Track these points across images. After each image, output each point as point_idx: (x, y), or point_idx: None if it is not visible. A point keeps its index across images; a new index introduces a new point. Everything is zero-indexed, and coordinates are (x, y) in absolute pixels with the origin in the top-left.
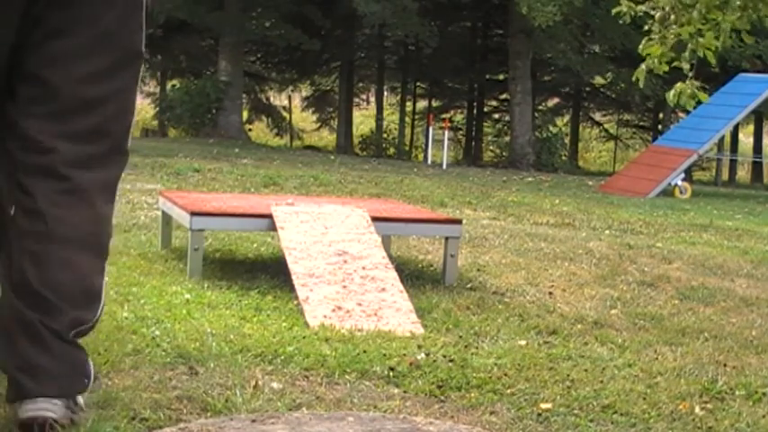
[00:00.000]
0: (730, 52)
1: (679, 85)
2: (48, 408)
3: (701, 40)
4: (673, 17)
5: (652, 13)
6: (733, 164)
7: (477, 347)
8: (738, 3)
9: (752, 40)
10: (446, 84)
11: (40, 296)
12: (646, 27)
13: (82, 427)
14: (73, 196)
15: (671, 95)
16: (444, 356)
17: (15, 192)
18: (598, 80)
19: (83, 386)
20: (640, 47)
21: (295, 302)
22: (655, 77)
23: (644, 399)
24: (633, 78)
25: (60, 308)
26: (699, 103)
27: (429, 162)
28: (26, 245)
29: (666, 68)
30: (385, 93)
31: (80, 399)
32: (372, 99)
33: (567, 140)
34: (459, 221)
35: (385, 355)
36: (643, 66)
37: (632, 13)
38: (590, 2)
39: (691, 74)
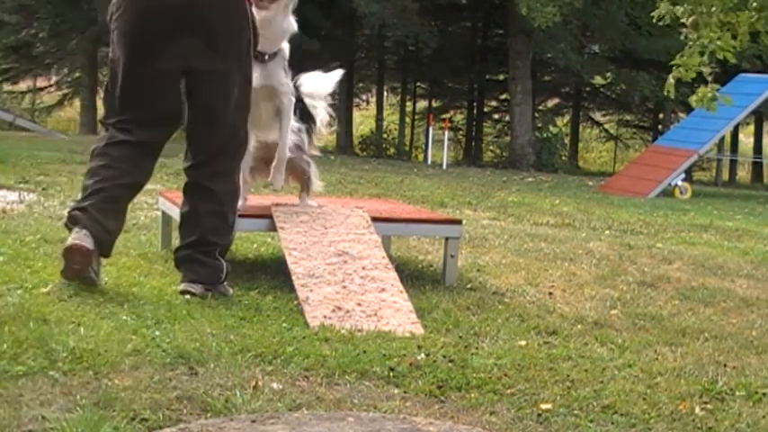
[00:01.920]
0: None
1: (701, 89)
2: (193, 287)
3: (719, 43)
4: (698, 19)
5: (683, 20)
6: (733, 164)
7: (477, 347)
8: (755, 4)
9: None
10: (446, 84)
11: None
12: (681, 36)
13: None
14: None
15: (694, 99)
16: (444, 356)
17: None
18: (598, 80)
19: (218, 280)
20: (678, 59)
21: (295, 302)
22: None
23: (644, 399)
24: (665, 92)
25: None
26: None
27: (429, 162)
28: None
29: (694, 75)
30: (385, 93)
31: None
32: (372, 99)
33: (567, 141)
34: (459, 222)
35: (385, 355)
36: (671, 78)
37: (671, 15)
38: (590, 2)
39: (710, 78)
